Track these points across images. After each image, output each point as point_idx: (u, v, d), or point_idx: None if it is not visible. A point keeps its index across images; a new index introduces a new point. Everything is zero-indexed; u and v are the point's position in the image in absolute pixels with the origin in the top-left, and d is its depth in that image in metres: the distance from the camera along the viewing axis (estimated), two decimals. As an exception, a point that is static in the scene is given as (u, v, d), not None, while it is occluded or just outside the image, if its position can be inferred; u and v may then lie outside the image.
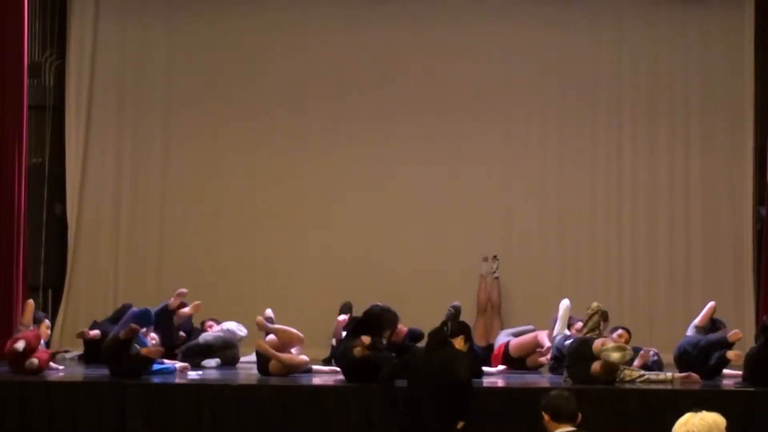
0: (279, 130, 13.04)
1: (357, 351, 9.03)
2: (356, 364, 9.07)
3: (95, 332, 10.61)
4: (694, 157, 13.12)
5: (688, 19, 13.17)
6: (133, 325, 9.30)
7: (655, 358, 10.37)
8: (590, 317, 9.73)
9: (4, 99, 11.12)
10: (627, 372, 9.35)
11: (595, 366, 9.12)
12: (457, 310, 9.97)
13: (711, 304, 10.45)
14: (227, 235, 12.88)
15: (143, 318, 9.74)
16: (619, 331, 10.08)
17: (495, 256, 12.54)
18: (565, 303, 10.65)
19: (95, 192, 12.86)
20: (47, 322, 10.38)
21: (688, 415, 4.65)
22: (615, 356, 9.02)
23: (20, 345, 9.36)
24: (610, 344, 9.18)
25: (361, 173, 13.05)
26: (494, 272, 12.51)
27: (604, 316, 9.87)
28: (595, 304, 9.83)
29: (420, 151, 13.04)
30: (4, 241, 11.01)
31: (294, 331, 9.97)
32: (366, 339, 9.09)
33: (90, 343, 10.68)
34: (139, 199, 12.96)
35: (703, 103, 13.13)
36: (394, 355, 9.23)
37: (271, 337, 9.86)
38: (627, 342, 9.83)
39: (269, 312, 10.50)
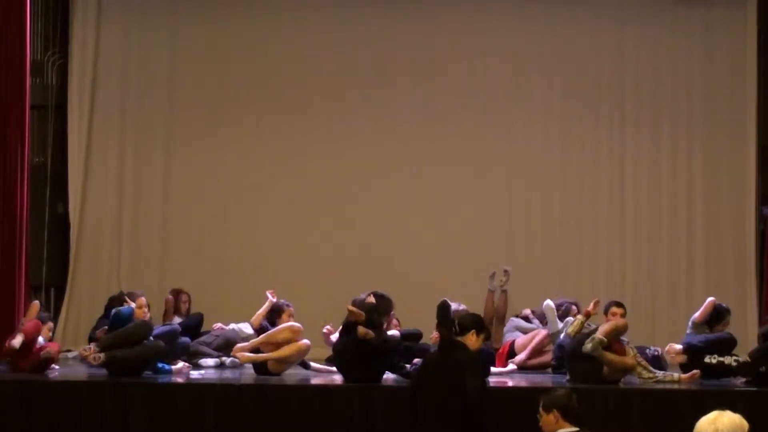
0: (282, 129, 13.05)
1: (361, 330, 8.87)
2: (359, 348, 8.90)
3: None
4: (696, 157, 13.13)
5: (691, 18, 13.17)
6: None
7: (657, 353, 10.38)
8: (571, 324, 9.66)
9: (6, 98, 11.10)
10: (639, 370, 9.36)
11: (605, 368, 9.13)
12: (443, 307, 9.44)
13: (710, 299, 10.41)
14: (230, 234, 12.88)
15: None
16: (613, 308, 9.79)
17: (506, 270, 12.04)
18: (546, 304, 10.64)
19: (98, 191, 12.86)
20: (50, 324, 10.23)
21: (715, 414, 4.56)
22: (587, 348, 9.03)
23: (17, 342, 9.33)
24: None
25: (364, 173, 13.06)
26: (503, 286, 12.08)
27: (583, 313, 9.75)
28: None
29: (422, 151, 13.05)
30: (6, 241, 10.99)
31: (285, 326, 9.75)
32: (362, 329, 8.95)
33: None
34: (141, 198, 12.97)
35: (706, 102, 13.13)
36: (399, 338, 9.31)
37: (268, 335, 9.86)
38: (623, 315, 9.70)
39: (270, 294, 10.54)
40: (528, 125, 13.17)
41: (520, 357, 10.77)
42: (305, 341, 9.67)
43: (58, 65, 12.90)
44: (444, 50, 13.10)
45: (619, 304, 9.89)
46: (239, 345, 10.12)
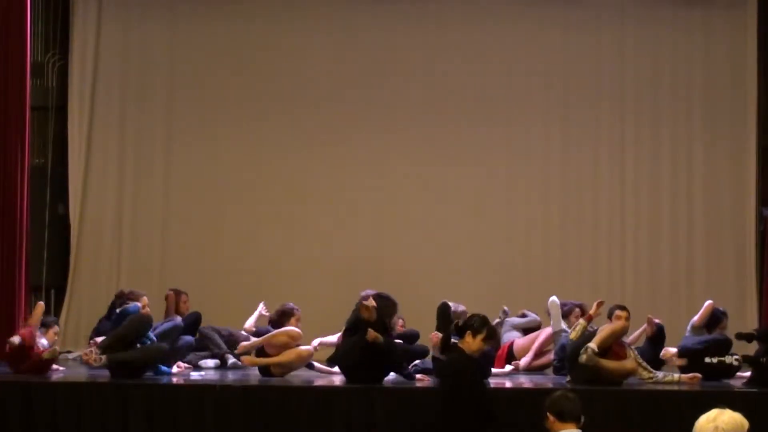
0: (281, 130, 13.06)
1: (371, 334, 8.75)
2: (366, 350, 8.80)
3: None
4: (696, 157, 13.14)
5: (691, 19, 13.18)
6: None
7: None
8: (573, 329, 9.59)
9: (6, 99, 11.12)
10: (639, 371, 9.34)
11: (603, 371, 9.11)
12: (443, 309, 9.41)
13: (708, 302, 10.39)
14: (230, 236, 12.90)
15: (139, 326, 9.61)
16: (617, 312, 9.65)
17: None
18: (552, 300, 10.58)
19: (98, 192, 12.87)
20: (56, 328, 10.25)
21: (715, 412, 4.55)
22: (582, 359, 9.00)
23: (16, 339, 9.34)
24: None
25: (363, 174, 13.07)
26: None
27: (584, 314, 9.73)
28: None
29: (422, 152, 13.06)
30: (6, 242, 11.01)
31: (284, 330, 9.65)
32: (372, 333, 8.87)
33: None
34: (141, 199, 12.98)
35: (706, 103, 13.14)
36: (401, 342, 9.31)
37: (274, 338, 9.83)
38: (627, 318, 9.66)
39: (262, 307, 10.50)
40: (528, 125, 13.17)
41: (526, 359, 10.66)
42: (307, 348, 9.67)
43: (58, 66, 12.91)
44: (444, 51, 13.11)
45: (623, 308, 9.69)
46: (243, 344, 10.09)
